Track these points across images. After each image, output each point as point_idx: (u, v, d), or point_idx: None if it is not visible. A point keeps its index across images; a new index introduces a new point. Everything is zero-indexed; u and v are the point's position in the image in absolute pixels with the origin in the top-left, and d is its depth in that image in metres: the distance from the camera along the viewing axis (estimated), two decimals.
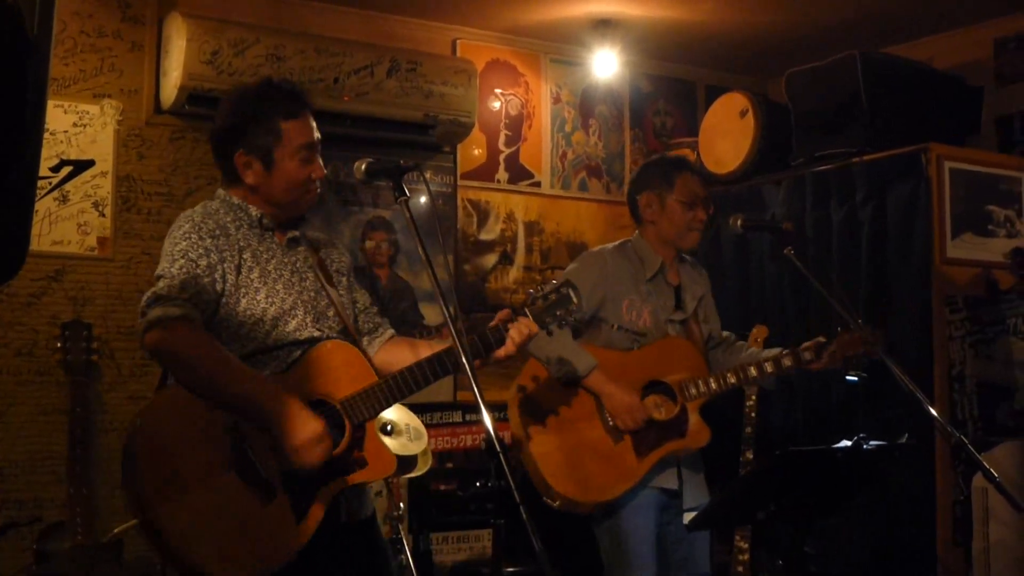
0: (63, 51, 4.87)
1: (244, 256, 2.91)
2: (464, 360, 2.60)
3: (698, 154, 5.90)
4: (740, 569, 4.15)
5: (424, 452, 4.42)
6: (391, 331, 3.29)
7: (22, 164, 1.47)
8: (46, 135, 4.57)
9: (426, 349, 3.15)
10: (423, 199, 5.60)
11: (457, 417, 5.71)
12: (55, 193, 4.85)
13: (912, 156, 4.87)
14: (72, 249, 4.89)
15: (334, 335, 3.00)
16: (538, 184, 6.20)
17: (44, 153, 4.58)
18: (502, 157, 6.10)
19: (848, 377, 4.56)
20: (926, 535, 4.65)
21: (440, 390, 5.49)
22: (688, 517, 3.99)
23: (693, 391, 3.99)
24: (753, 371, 4.01)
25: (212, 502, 2.69)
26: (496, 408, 5.26)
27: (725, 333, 4.37)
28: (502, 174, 6.10)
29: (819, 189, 5.24)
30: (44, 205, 4.80)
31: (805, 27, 5.78)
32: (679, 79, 6.72)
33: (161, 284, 2.80)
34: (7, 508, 4.65)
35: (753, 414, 4.23)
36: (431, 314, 5.75)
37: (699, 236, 4.25)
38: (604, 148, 6.43)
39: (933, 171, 4.81)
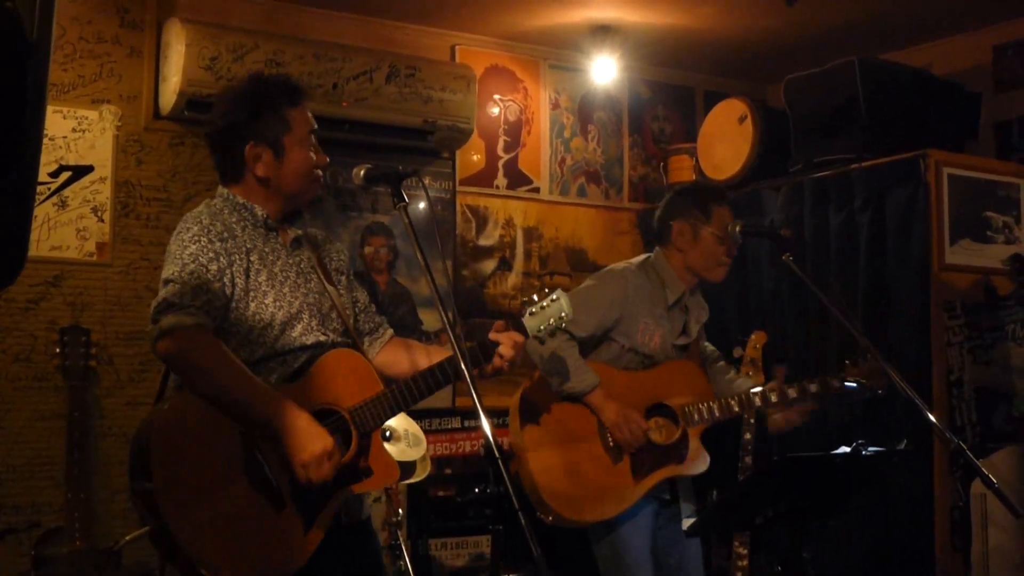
0: (62, 56, 4.88)
1: (252, 258, 2.90)
2: (463, 366, 2.60)
3: (697, 160, 5.90)
4: (739, 574, 4.15)
5: (423, 458, 4.42)
6: (390, 331, 3.30)
7: (21, 167, 1.47)
8: (45, 141, 4.58)
9: (424, 355, 3.18)
10: (422, 205, 5.60)
11: (456, 423, 5.71)
12: (54, 198, 4.85)
13: (910, 162, 4.87)
14: (71, 254, 4.89)
15: (338, 338, 3.00)
16: (537, 190, 6.21)
17: (43, 159, 4.59)
18: (501, 163, 6.10)
19: (847, 383, 4.56)
20: (925, 540, 4.64)
21: (439, 396, 5.44)
22: (687, 523, 3.99)
23: (696, 417, 3.98)
24: (758, 400, 4.00)
25: (224, 508, 2.70)
26: (495, 414, 5.27)
27: (709, 347, 4.38)
28: (501, 180, 6.10)
29: (818, 195, 5.24)
30: (43, 210, 4.80)
31: (804, 33, 5.79)
32: (678, 85, 6.72)
33: (172, 289, 2.78)
34: (5, 513, 4.65)
35: (752, 420, 4.22)
36: (430, 319, 5.75)
37: (726, 272, 4.20)
38: (603, 154, 6.43)
39: (931, 177, 4.81)
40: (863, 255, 5.00)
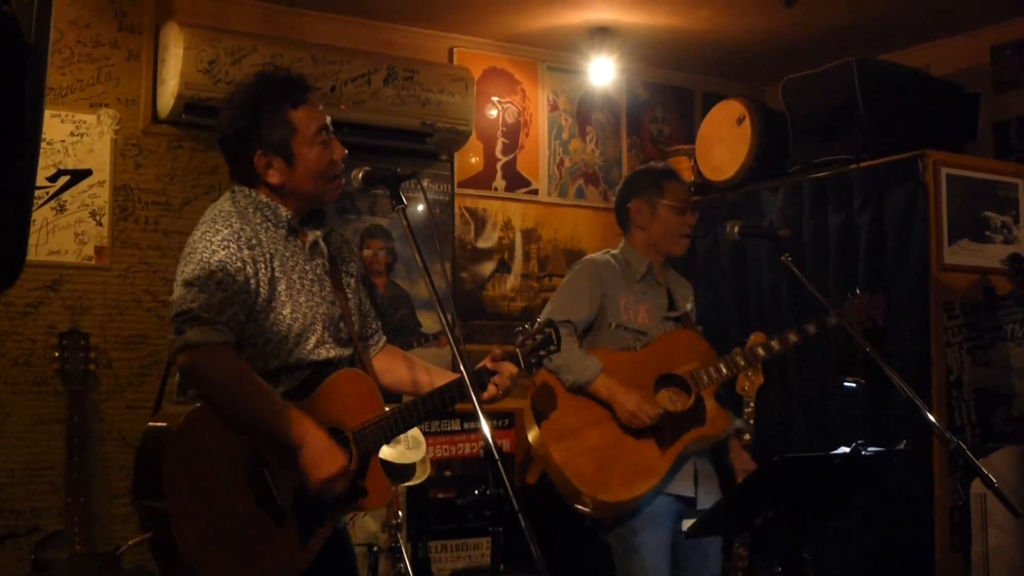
0: (60, 60, 4.87)
1: (274, 264, 2.86)
2: (462, 369, 2.60)
3: (695, 161, 5.91)
4: (739, 575, 4.15)
5: (422, 460, 4.42)
6: (384, 339, 3.31)
7: (20, 169, 1.47)
8: (43, 145, 4.58)
9: (423, 371, 3.21)
10: (420, 207, 5.60)
11: (455, 425, 5.70)
12: (52, 203, 4.85)
13: (909, 162, 4.87)
14: (69, 259, 4.88)
15: (346, 349, 3.01)
16: (535, 192, 6.21)
17: (41, 163, 4.59)
18: (499, 165, 6.10)
19: (846, 383, 4.57)
20: (925, 540, 4.64)
21: None
22: (687, 524, 3.99)
23: (705, 379, 4.03)
24: (761, 350, 4.06)
25: (227, 521, 2.70)
26: (495, 416, 5.27)
27: None
28: (499, 182, 6.10)
29: (816, 196, 5.24)
30: (41, 215, 4.80)
31: (802, 34, 5.79)
32: (676, 86, 6.72)
33: (197, 297, 2.72)
34: (5, 518, 4.64)
35: (752, 420, 4.23)
36: (428, 322, 5.75)
37: (688, 242, 4.29)
38: (601, 156, 6.43)
39: (930, 177, 4.81)
40: (862, 255, 5.00)
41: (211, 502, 2.70)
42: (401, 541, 4.54)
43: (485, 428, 2.50)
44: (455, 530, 5.38)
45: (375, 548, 4.53)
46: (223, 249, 2.78)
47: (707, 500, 4.06)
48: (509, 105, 6.16)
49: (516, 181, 6.15)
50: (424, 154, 5.73)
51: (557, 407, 3.99)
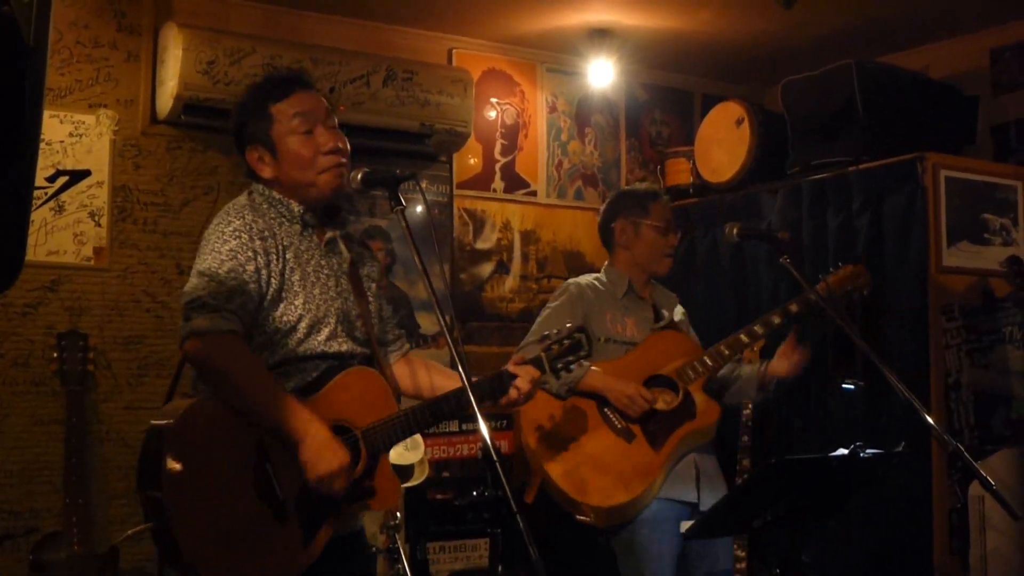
0: (59, 61, 4.87)
1: (288, 256, 2.89)
2: (460, 369, 2.60)
3: (694, 163, 5.90)
4: None
5: (421, 461, 4.42)
6: (408, 346, 3.30)
7: (19, 170, 1.47)
8: (42, 145, 4.58)
9: (441, 376, 3.20)
10: (419, 208, 5.59)
11: (454, 426, 5.70)
12: (51, 203, 4.85)
13: (908, 165, 4.87)
14: (68, 259, 4.88)
15: (360, 348, 3.00)
16: (534, 193, 6.21)
17: (40, 163, 4.59)
18: (498, 166, 6.11)
19: (845, 385, 4.57)
20: (923, 543, 4.64)
21: None
22: (685, 525, 4.00)
23: (691, 374, 4.08)
24: (744, 337, 4.11)
25: (228, 517, 2.69)
26: (493, 418, 5.27)
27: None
28: (498, 183, 6.10)
29: (815, 198, 5.24)
30: (40, 215, 4.80)
31: (801, 36, 5.79)
32: (675, 88, 6.73)
33: (207, 285, 2.76)
34: (3, 518, 4.64)
35: (750, 423, 4.23)
36: (427, 323, 5.75)
37: (671, 261, 4.35)
38: (600, 157, 6.44)
39: (929, 180, 4.81)
40: (861, 258, 5.00)
41: (211, 497, 2.69)
42: (399, 542, 4.53)
43: (483, 429, 2.50)
44: (453, 531, 5.37)
45: (373, 549, 4.53)
46: (234, 239, 2.82)
47: (712, 501, 4.06)
48: (508, 106, 6.16)
49: (515, 182, 6.15)
50: (423, 155, 5.72)
51: (546, 424, 4.02)
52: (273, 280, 2.85)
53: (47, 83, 1.58)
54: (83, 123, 4.94)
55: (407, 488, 4.76)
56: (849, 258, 5.02)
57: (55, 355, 4.65)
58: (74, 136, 4.91)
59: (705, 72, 6.62)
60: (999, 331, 4.88)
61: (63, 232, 4.87)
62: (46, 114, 4.33)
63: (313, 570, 2.80)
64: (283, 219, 2.95)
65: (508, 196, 6.13)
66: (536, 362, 3.13)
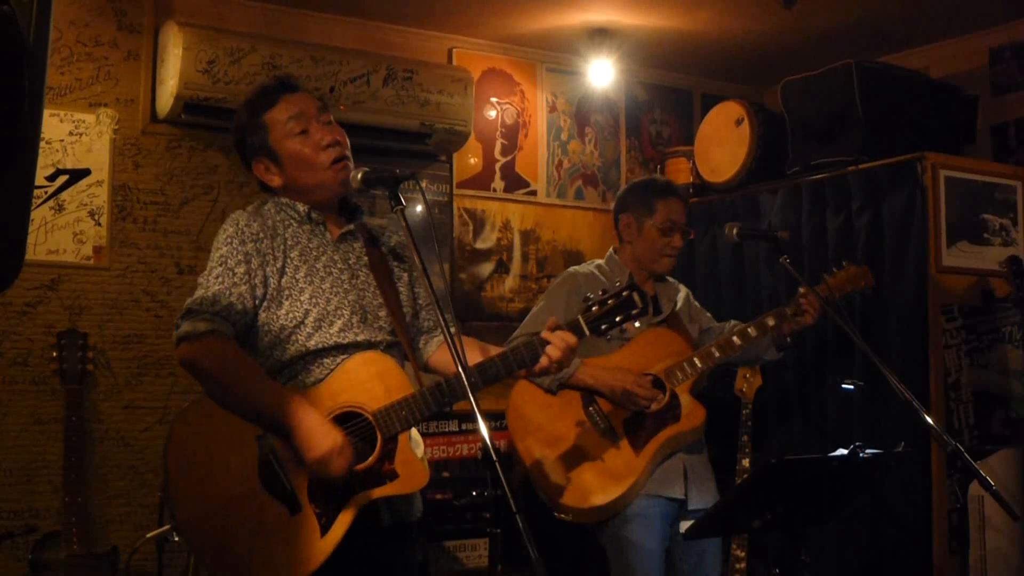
0: (59, 60, 4.87)
1: (291, 255, 2.92)
2: (459, 368, 2.59)
3: (694, 162, 5.91)
4: None
5: (420, 461, 4.41)
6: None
7: (19, 169, 1.47)
8: (42, 144, 4.57)
9: (481, 353, 3.04)
10: (419, 208, 5.60)
11: (453, 426, 5.71)
12: (51, 202, 4.85)
13: (908, 165, 4.87)
14: (68, 258, 4.88)
15: (383, 337, 2.98)
16: (534, 193, 6.21)
17: (40, 162, 4.59)
18: (498, 166, 6.10)
19: (844, 386, 4.57)
20: (922, 543, 4.64)
21: None
22: (685, 525, 3.99)
23: (679, 375, 4.05)
24: (737, 340, 4.09)
25: (238, 511, 2.71)
26: (492, 417, 5.27)
27: (715, 323, 4.47)
28: (498, 183, 6.10)
29: (815, 198, 5.24)
30: (40, 214, 4.80)
31: (801, 36, 5.79)
32: (675, 88, 6.73)
33: (197, 294, 2.85)
34: (2, 518, 4.64)
35: (749, 422, 4.23)
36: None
37: (672, 262, 4.33)
38: (600, 157, 6.44)
39: (929, 180, 4.81)
40: (860, 258, 5.00)
41: (218, 489, 2.71)
42: None
43: (483, 429, 2.49)
44: (453, 531, 5.37)
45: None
46: (226, 246, 2.89)
47: (700, 500, 4.06)
48: (508, 106, 6.16)
49: (515, 182, 6.15)
50: (423, 155, 5.72)
51: (531, 424, 4.02)
52: (271, 279, 2.88)
53: (47, 82, 1.58)
54: (83, 122, 4.94)
55: None
56: (849, 258, 5.04)
57: (54, 354, 4.65)
58: (74, 135, 4.91)
59: (705, 72, 6.62)
60: (998, 331, 4.89)
61: (63, 231, 4.87)
62: (46, 113, 4.33)
63: (353, 560, 2.79)
64: (291, 220, 3.00)
65: (508, 196, 6.13)
66: (573, 326, 2.93)
